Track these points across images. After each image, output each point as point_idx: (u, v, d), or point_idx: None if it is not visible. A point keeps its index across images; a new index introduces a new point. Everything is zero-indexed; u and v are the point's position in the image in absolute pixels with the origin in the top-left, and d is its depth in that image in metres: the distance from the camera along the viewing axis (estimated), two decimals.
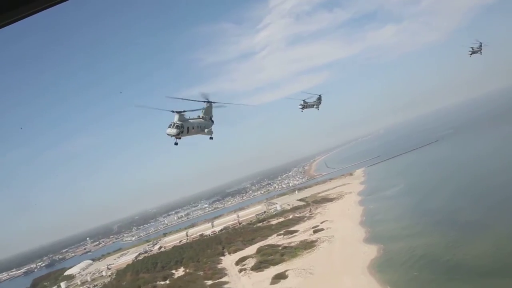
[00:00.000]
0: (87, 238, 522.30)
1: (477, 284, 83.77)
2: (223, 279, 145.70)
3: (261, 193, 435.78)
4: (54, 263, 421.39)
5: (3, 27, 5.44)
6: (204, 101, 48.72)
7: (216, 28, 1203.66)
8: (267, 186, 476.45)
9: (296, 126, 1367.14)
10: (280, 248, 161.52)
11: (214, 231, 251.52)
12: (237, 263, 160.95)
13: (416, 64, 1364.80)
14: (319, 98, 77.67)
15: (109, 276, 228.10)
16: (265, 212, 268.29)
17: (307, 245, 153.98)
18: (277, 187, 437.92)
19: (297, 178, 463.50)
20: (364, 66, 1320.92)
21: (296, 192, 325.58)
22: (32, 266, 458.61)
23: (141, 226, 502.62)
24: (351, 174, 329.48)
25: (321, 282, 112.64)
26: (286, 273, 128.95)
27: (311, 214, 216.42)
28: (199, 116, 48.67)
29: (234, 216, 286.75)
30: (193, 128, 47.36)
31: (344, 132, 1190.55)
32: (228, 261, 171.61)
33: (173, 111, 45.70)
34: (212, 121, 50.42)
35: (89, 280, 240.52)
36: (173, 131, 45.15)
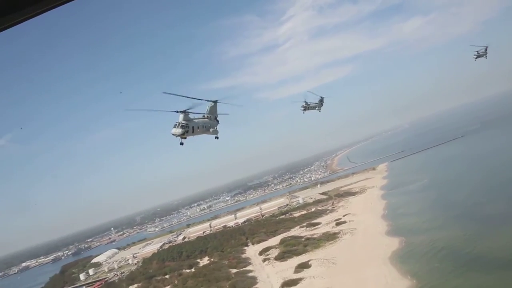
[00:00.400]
0: (112, 228, 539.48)
1: (496, 275, 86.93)
2: (247, 268, 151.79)
3: (283, 186, 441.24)
4: (80, 252, 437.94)
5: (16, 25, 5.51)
6: (209, 100, 48.18)
7: (239, 20, 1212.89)
8: (289, 180, 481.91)
9: (318, 120, 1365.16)
10: (303, 239, 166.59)
11: (237, 222, 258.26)
12: (260, 253, 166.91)
13: (444, 56, 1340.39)
14: (321, 100, 77.45)
15: (135, 264, 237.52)
16: (287, 205, 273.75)
17: (330, 237, 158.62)
18: (299, 181, 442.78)
19: (319, 172, 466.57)
20: (390, 59, 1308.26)
21: (318, 186, 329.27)
22: (59, 254, 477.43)
23: (164, 218, 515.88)
24: (374, 169, 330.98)
25: (343, 272, 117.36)
26: (309, 262, 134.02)
27: (333, 207, 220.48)
28: (204, 116, 48.32)
29: (256, 208, 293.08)
30: (198, 127, 46.84)
31: (368, 126, 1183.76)
32: (251, 251, 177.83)
33: (177, 111, 45.06)
34: (217, 121, 50.10)
35: (116, 267, 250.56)
36: (178, 130, 44.80)
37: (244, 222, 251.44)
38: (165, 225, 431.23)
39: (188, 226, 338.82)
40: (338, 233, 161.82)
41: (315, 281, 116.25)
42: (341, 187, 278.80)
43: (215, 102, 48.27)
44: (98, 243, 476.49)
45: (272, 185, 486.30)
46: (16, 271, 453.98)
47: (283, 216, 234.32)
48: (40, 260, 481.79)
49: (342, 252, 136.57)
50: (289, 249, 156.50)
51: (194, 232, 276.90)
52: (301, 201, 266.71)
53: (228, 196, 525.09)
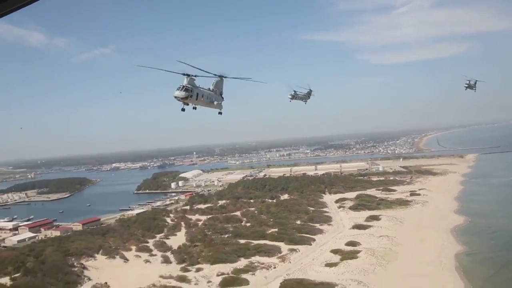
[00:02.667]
0: (194, 153, 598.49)
1: None
2: (324, 209, 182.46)
3: (364, 152, 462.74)
4: (165, 166, 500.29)
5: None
6: (216, 75, 48.17)
7: None
8: (372, 148, 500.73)
9: (414, 96, 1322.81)
10: (377, 199, 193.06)
11: (317, 173, 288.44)
12: (336, 201, 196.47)
13: None
14: (309, 93, 78.48)
15: (221, 186, 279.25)
16: (366, 169, 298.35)
17: (402, 203, 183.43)
18: (382, 151, 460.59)
19: (404, 148, 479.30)
20: None
21: (401, 159, 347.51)
22: (145, 163, 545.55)
23: (243, 155, 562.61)
24: (461, 157, 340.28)
25: (408, 229, 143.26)
26: (380, 216, 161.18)
27: (411, 180, 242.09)
28: (209, 89, 48.28)
29: (336, 165, 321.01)
30: (202, 96, 46.49)
31: (469, 113, 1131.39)
32: (328, 198, 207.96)
33: (183, 74, 44.69)
34: (222, 98, 50.42)
35: (203, 185, 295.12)
36: (182, 93, 44.16)
37: (323, 174, 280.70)
38: (245, 161, 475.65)
39: (269, 166, 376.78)
40: (411, 201, 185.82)
41: (382, 230, 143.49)
42: (423, 165, 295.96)
43: (222, 77, 48.72)
44: (180, 163, 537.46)
45: (354, 149, 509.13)
46: (108, 169, 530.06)
47: (361, 178, 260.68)
48: (129, 165, 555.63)
49: (410, 216, 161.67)
50: (363, 203, 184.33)
51: (275, 172, 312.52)
52: (381, 169, 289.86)
53: (308, 150, 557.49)
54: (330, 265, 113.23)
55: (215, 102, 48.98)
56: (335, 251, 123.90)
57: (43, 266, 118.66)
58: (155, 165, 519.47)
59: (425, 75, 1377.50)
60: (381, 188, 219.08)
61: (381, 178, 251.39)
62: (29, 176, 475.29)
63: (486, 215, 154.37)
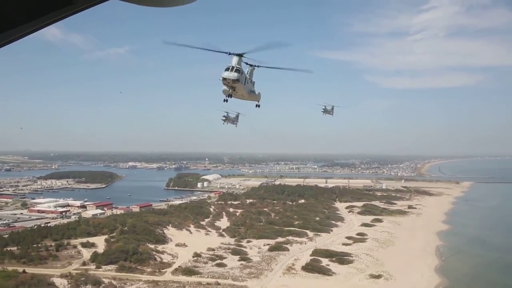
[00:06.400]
0: (206, 159, 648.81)
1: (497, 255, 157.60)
2: (337, 212, 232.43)
3: (369, 172, 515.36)
4: (181, 168, 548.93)
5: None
6: (247, 64, 43.26)
7: None
8: (376, 168, 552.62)
9: (423, 123, 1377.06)
10: (380, 208, 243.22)
11: (327, 185, 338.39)
12: (346, 208, 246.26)
13: None
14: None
15: (242, 189, 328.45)
16: (371, 186, 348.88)
17: (401, 212, 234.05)
18: (385, 172, 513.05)
19: (407, 171, 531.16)
20: None
21: (403, 181, 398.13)
22: (161, 164, 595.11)
23: (253, 165, 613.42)
24: (457, 183, 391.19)
25: (403, 230, 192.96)
26: (382, 220, 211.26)
27: (410, 197, 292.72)
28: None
29: (344, 180, 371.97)
30: (247, 82, 42.91)
31: (472, 145, 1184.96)
32: (339, 205, 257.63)
33: (229, 53, 40.21)
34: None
35: (226, 187, 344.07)
36: (233, 75, 39.53)
37: (333, 187, 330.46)
38: (257, 171, 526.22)
39: (281, 177, 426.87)
40: (408, 212, 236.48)
41: (383, 228, 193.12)
42: (422, 187, 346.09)
43: (254, 66, 44.52)
44: (194, 167, 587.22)
45: (359, 168, 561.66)
46: (126, 167, 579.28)
47: (367, 192, 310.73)
48: (145, 165, 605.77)
49: (406, 222, 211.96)
50: (368, 210, 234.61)
51: (289, 182, 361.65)
52: (384, 187, 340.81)
53: (315, 165, 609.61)
54: (345, 244, 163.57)
55: (257, 92, 46.58)
56: (348, 238, 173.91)
57: (135, 229, 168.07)
58: (171, 167, 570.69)
59: (434, 103, 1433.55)
60: (384, 201, 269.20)
61: (384, 194, 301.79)
62: (53, 167, 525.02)
63: (466, 225, 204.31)
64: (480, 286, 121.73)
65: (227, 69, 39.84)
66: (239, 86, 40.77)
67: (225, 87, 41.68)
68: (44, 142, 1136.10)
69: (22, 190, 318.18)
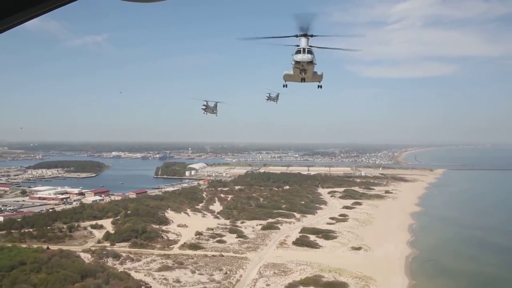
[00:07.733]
0: (189, 148, 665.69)
1: (458, 230, 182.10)
2: (320, 197, 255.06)
3: (348, 160, 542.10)
4: (166, 158, 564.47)
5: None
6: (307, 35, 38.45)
7: None
8: (355, 157, 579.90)
9: (399, 113, 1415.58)
10: (359, 193, 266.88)
11: (309, 173, 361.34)
12: (329, 193, 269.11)
13: None
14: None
15: (229, 177, 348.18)
16: (351, 173, 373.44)
17: (378, 196, 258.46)
18: (364, 160, 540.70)
19: (384, 160, 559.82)
20: (503, 72, 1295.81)
21: (380, 168, 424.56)
22: (147, 154, 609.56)
23: (235, 154, 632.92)
24: (431, 170, 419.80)
25: (381, 211, 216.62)
26: (361, 203, 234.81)
27: (387, 183, 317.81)
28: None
29: (325, 168, 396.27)
30: (314, 63, 39.43)
31: (448, 133, 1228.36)
32: (322, 191, 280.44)
33: (297, 35, 37.99)
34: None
35: (213, 175, 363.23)
36: (308, 56, 37.81)
37: (315, 174, 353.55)
38: (241, 160, 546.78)
39: (265, 165, 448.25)
40: (385, 196, 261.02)
41: (362, 210, 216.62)
42: (398, 174, 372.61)
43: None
44: (178, 156, 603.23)
45: (339, 157, 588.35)
46: (111, 157, 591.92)
47: (347, 179, 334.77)
48: (128, 154, 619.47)
49: (383, 204, 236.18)
50: (349, 195, 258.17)
51: (273, 170, 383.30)
52: (363, 174, 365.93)
53: (296, 154, 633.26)
54: (329, 224, 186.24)
55: (319, 72, 42.75)
56: (332, 218, 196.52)
57: (138, 212, 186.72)
58: (155, 156, 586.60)
59: (411, 93, 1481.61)
60: (363, 186, 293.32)
61: (363, 180, 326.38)
62: (37, 157, 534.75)
63: (436, 207, 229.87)
64: (443, 254, 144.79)
65: (298, 52, 38.05)
66: (310, 68, 39.23)
67: (288, 72, 40.97)
68: (22, 132, 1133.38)
69: (15, 179, 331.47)
